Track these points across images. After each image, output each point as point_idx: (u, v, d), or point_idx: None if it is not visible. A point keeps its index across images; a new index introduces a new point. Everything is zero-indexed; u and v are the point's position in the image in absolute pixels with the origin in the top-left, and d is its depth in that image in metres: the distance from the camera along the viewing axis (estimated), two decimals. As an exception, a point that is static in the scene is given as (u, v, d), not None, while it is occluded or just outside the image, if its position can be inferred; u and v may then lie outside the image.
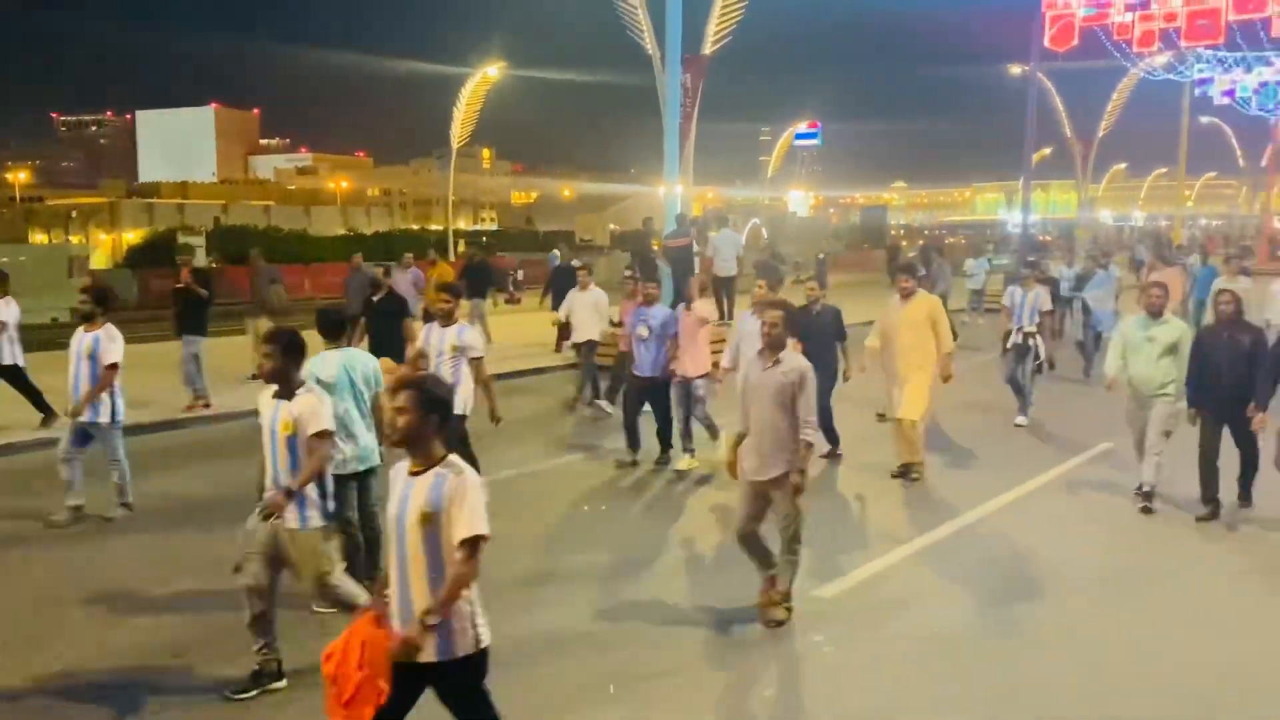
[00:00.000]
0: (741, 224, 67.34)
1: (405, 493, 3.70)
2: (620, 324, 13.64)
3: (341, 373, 6.27)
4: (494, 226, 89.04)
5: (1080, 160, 43.60)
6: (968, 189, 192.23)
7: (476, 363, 7.91)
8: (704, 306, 10.66)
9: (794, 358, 6.05)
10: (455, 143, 41.03)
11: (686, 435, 10.06)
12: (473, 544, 3.56)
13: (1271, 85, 32.02)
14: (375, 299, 11.21)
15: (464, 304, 16.54)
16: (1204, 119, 52.57)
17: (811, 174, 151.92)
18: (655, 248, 18.97)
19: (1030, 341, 11.83)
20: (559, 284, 16.36)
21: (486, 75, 40.75)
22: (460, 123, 40.53)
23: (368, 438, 6.32)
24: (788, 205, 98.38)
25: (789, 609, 6.11)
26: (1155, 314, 8.40)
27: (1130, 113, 44.07)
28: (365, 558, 6.33)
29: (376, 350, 8.12)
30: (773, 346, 6.05)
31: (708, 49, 20.68)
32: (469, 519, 3.56)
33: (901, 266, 10.14)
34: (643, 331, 9.95)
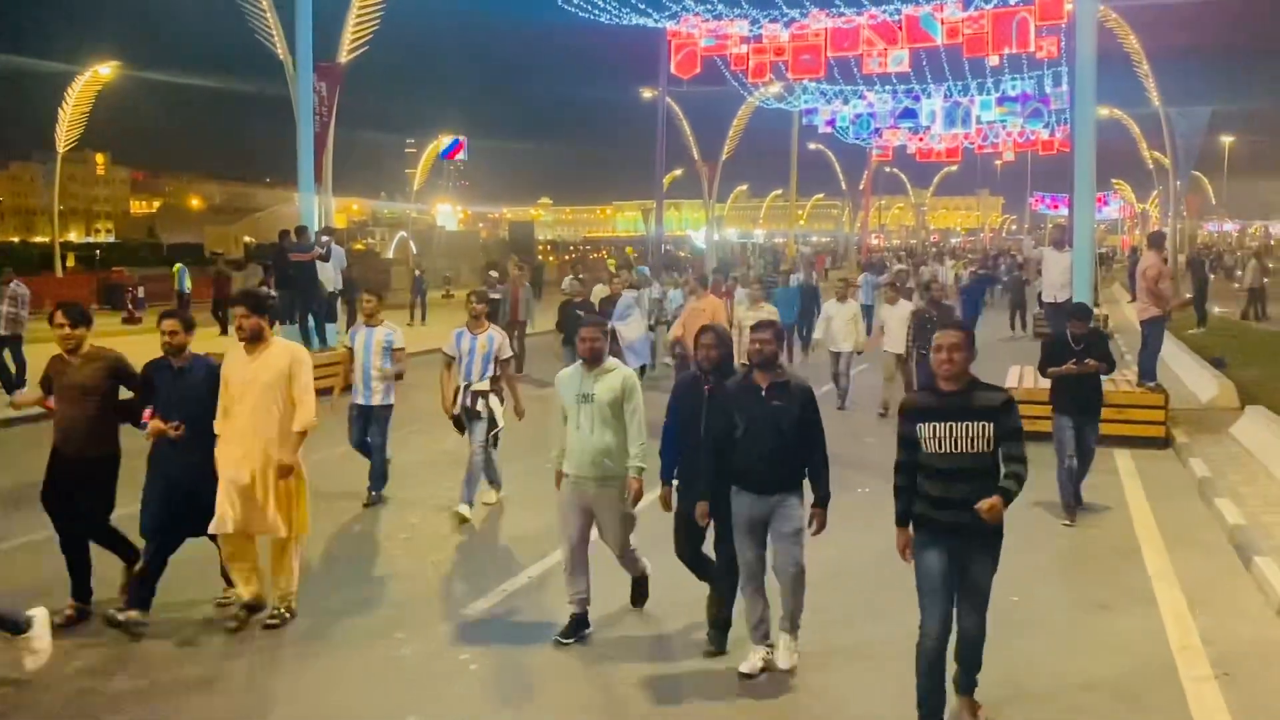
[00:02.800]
0: (389, 237, 66.05)
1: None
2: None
3: None
4: (110, 238, 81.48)
5: (707, 181, 46.68)
6: (609, 206, 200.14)
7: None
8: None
9: None
10: (60, 145, 37.19)
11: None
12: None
13: (865, 116, 35.88)
14: None
15: None
16: (811, 145, 58.03)
17: (459, 188, 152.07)
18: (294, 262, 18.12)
19: (480, 404, 8.72)
20: None
21: (97, 73, 37.24)
22: (66, 124, 36.75)
23: None
24: (436, 219, 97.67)
25: None
26: (592, 362, 6.11)
27: (750, 138, 47.80)
28: None
29: None
30: None
31: (343, 57, 20.16)
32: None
33: (235, 299, 6.99)
34: None
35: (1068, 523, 8.75)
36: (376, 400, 9.29)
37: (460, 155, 70.52)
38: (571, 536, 6.17)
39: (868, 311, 19.28)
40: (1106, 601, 6.93)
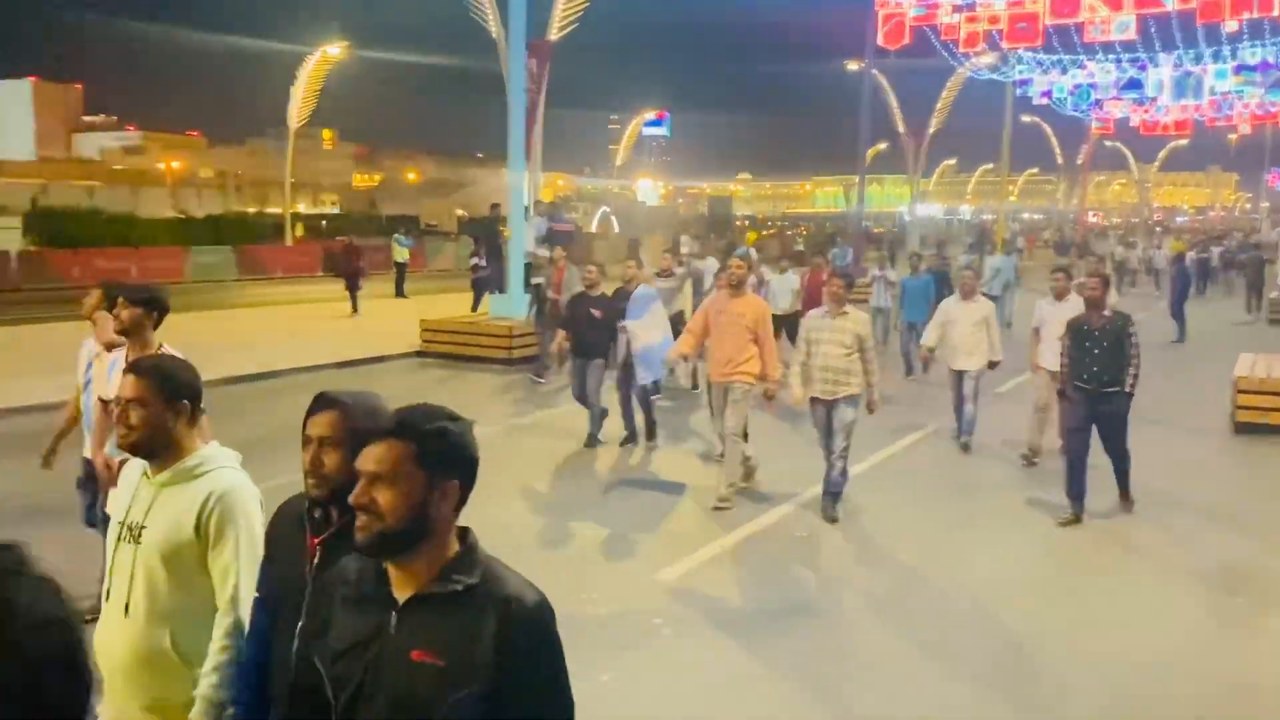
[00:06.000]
0: (592, 212, 67.46)
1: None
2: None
3: None
4: (336, 210, 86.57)
5: (912, 155, 45.38)
6: (809, 181, 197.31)
7: None
8: None
9: None
10: (293, 123, 39.76)
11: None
12: None
13: (1085, 87, 33.98)
14: None
15: None
16: (1025, 118, 55.47)
17: (660, 163, 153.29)
18: (504, 234, 18.91)
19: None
20: None
21: (327, 54, 39.58)
22: (299, 102, 39.25)
23: None
24: (636, 194, 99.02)
25: None
26: (142, 452, 2.89)
27: (959, 110, 46.13)
28: None
29: None
30: None
31: (554, 34, 20.68)
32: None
33: None
34: None
35: None
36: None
37: (662, 130, 71.34)
38: None
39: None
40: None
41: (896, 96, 44.90)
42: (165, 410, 2.86)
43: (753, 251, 17.44)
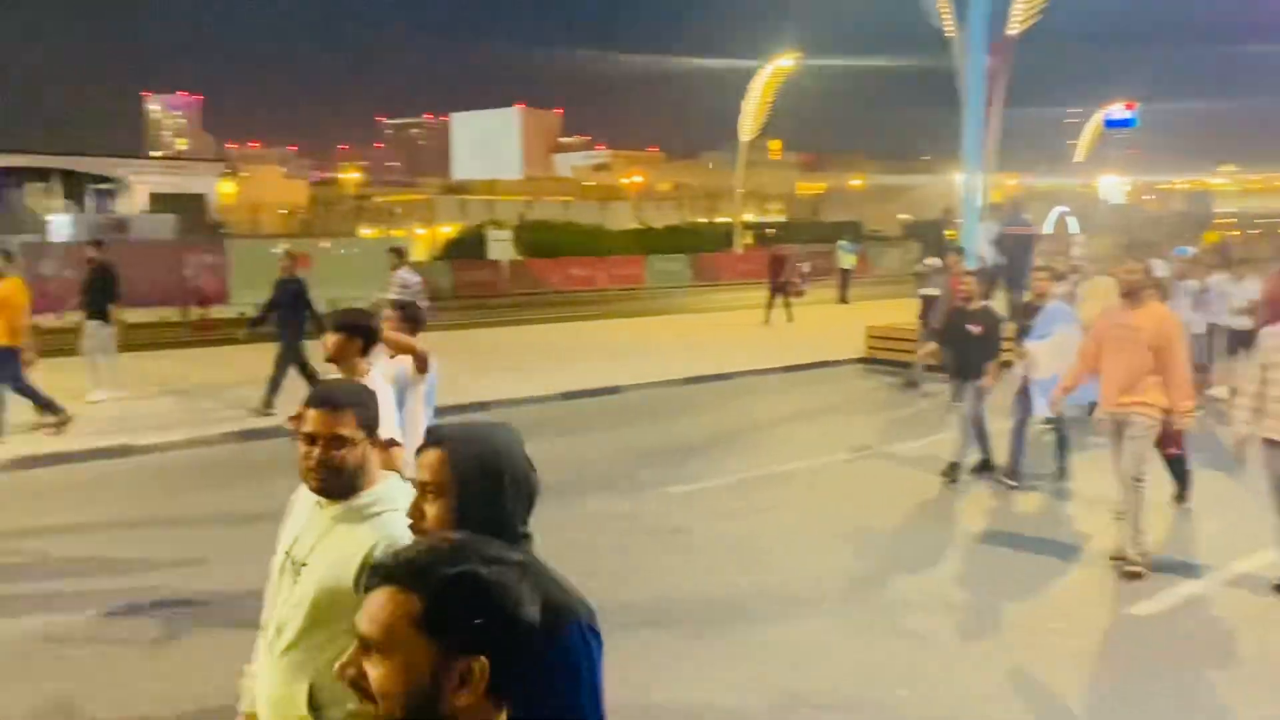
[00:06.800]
0: (1044, 212, 63.69)
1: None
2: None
3: None
4: (782, 218, 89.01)
5: None
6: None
7: None
8: None
9: None
10: (745, 135, 41.41)
11: None
12: None
13: None
14: None
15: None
16: None
17: (1126, 157, 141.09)
18: (950, 237, 18.40)
19: None
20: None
21: (779, 67, 40.79)
22: (750, 116, 40.80)
23: None
24: (1097, 192, 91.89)
25: None
26: (323, 485, 2.52)
27: None
28: None
29: None
30: None
31: (1014, 30, 19.67)
32: None
33: None
34: None
35: None
36: None
37: (1130, 122, 65.54)
38: None
39: None
40: None
41: None
42: (368, 446, 2.52)
43: (1190, 252, 15.08)
